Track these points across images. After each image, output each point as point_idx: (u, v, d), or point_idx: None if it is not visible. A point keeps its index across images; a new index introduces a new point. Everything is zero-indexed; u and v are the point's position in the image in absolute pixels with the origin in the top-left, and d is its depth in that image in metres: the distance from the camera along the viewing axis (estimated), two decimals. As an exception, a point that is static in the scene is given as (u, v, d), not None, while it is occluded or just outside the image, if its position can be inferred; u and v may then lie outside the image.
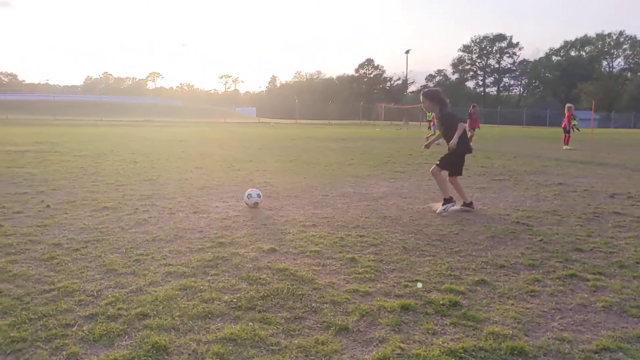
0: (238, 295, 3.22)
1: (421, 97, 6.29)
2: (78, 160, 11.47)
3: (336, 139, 23.11)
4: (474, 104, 19.98)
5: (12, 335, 2.63)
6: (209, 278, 3.55)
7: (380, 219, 5.67)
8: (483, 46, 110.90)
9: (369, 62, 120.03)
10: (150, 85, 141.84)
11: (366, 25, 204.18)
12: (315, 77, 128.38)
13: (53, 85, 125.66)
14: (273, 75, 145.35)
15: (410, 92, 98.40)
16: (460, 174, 6.33)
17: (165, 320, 2.82)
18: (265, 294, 3.24)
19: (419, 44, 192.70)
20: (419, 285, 3.45)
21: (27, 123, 35.64)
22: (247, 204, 6.11)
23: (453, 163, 6.19)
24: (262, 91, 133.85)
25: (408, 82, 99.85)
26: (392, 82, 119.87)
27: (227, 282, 3.48)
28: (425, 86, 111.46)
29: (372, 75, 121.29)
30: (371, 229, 5.16)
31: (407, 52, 69.64)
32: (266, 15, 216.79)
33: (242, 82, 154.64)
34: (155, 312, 2.93)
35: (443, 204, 6.01)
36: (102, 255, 4.08)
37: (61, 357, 2.44)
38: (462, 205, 6.11)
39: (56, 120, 42.17)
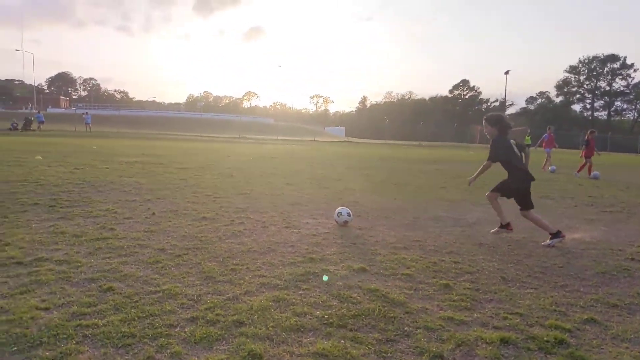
0: (329, 311, 3.24)
1: (483, 121, 6.08)
2: (180, 173, 12.26)
3: (427, 161, 22.68)
4: (592, 130, 18.38)
5: (122, 330, 2.85)
6: (300, 292, 3.62)
7: (476, 245, 5.45)
8: (592, 67, 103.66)
9: (464, 82, 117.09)
10: (246, 104, 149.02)
11: (462, 45, 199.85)
12: (406, 97, 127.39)
13: (159, 102, 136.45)
14: (363, 96, 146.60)
15: (509, 114, 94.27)
16: (529, 208, 5.88)
17: (260, 329, 2.91)
18: (357, 313, 3.23)
19: (519, 64, 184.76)
20: None
21: (135, 136, 38.89)
22: (337, 222, 6.17)
23: (516, 197, 5.90)
24: (352, 111, 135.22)
25: (507, 104, 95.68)
26: (488, 103, 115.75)
27: (318, 297, 3.52)
28: (525, 109, 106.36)
29: (467, 97, 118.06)
30: (466, 255, 4.97)
31: (507, 72, 66.94)
32: (359, 36, 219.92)
33: (332, 102, 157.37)
34: (250, 321, 3.03)
35: (550, 238, 5.64)
36: (201, 262, 4.32)
37: (165, 355, 2.59)
38: (499, 227, 6.00)
39: (160, 135, 45.57)
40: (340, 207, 6.41)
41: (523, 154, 5.97)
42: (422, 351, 2.75)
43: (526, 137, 41.72)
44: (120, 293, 3.46)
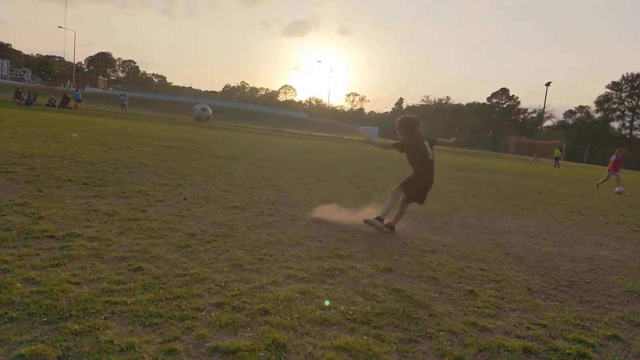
0: (354, 307, 3.23)
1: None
2: (213, 161, 12.41)
3: (460, 168, 22.36)
4: (620, 148, 18.19)
5: (150, 310, 2.89)
6: (326, 286, 3.61)
7: (504, 255, 5.34)
8: (636, 85, 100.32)
9: (504, 91, 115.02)
10: (282, 97, 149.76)
11: (504, 53, 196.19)
12: (443, 102, 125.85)
13: (195, 89, 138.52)
14: (400, 97, 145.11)
15: (546, 127, 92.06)
16: (412, 201, 6.08)
17: (285, 319, 2.92)
18: (381, 312, 3.21)
19: (560, 77, 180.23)
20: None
21: (171, 121, 39.59)
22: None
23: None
24: (387, 112, 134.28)
25: (544, 115, 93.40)
26: (526, 114, 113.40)
27: (343, 293, 3.51)
28: (562, 122, 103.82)
29: (504, 106, 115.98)
30: (493, 263, 4.88)
31: (548, 84, 65.26)
32: (400, 37, 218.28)
33: (368, 101, 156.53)
34: (276, 311, 3.04)
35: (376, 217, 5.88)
36: (230, 250, 4.35)
37: (191, 337, 2.63)
38: (386, 225, 5.85)
39: (196, 121, 46.30)
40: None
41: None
42: (444, 354, 2.72)
43: (556, 150, 40.68)
44: (149, 273, 3.52)
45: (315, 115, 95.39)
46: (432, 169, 6.01)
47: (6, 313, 2.63)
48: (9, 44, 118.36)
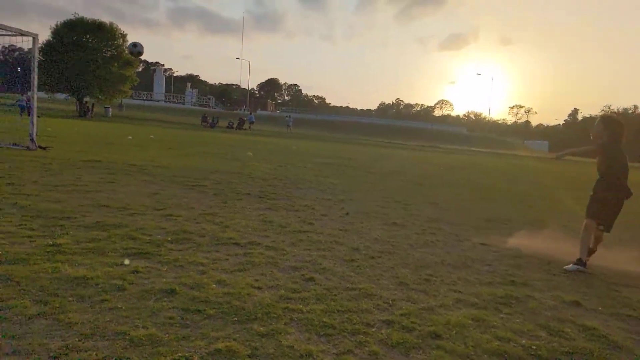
0: (537, 342, 2.94)
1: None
2: (370, 177, 12.63)
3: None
4: None
5: (323, 320, 2.99)
6: (501, 315, 3.36)
7: None
8: None
9: None
10: (437, 112, 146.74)
11: None
12: (629, 111, 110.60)
13: (352, 108, 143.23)
14: (575, 108, 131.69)
15: None
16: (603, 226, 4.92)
17: (459, 346, 2.78)
18: (570, 351, 2.86)
19: None
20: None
21: (330, 139, 41.39)
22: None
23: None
24: (559, 124, 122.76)
25: None
26: None
27: (522, 325, 3.22)
28: None
29: None
30: None
31: None
32: (572, 40, 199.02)
33: (535, 113, 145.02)
34: (448, 336, 2.91)
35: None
36: (394, 267, 4.32)
37: (364, 352, 2.64)
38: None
39: (352, 139, 47.71)
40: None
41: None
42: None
43: None
44: (321, 284, 3.66)
45: (475, 130, 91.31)
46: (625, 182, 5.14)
47: (205, 310, 2.95)
48: (198, 75, 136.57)
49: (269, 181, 9.50)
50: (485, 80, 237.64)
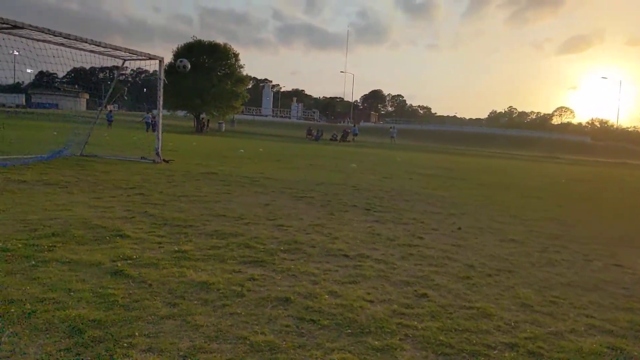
0: (693, 380, 2.56)
1: None
2: (481, 189, 12.06)
3: None
4: None
5: (440, 338, 2.87)
6: (644, 346, 2.99)
7: None
8: None
9: None
10: (556, 120, 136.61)
11: None
12: None
13: (460, 117, 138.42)
14: None
15: None
16: None
17: (597, 378, 2.51)
18: None
19: None
20: None
21: (436, 150, 40.39)
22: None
23: None
24: None
25: None
26: None
27: (671, 358, 2.83)
28: None
29: None
30: None
31: None
32: None
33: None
34: (582, 365, 2.65)
35: None
36: (514, 286, 4.05)
37: (486, 376, 2.48)
38: None
39: (460, 150, 46.13)
40: None
41: None
42: None
43: None
44: (435, 301, 3.52)
45: (600, 139, 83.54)
46: None
47: (319, 320, 2.98)
48: (303, 90, 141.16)
49: (374, 193, 9.46)
50: (612, 85, 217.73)
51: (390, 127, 54.81)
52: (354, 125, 55.47)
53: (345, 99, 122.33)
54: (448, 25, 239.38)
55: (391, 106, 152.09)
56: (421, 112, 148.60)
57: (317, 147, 32.31)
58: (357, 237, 5.41)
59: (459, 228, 6.53)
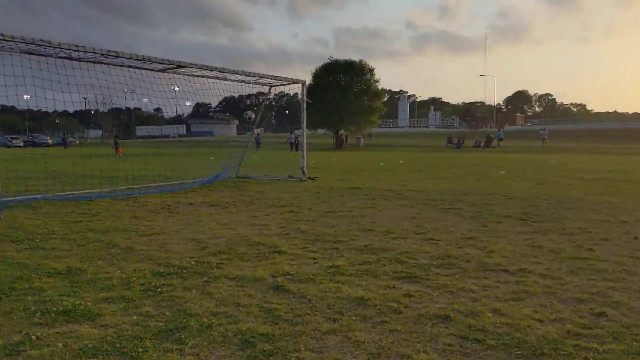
0: None
1: None
2: (659, 192, 10.48)
3: None
4: None
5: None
6: None
7: None
8: None
9: None
10: None
11: None
12: None
13: (621, 112, 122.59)
14: None
15: None
16: None
17: None
18: None
19: None
20: None
21: (595, 151, 36.24)
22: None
23: None
24: None
25: None
26: None
27: None
28: None
29: None
30: None
31: None
32: None
33: None
34: None
35: None
36: None
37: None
38: None
39: (624, 149, 40.78)
40: None
41: None
42: None
43: None
44: (616, 321, 3.12)
45: None
46: None
47: (484, 340, 2.82)
48: (440, 98, 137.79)
49: (529, 201, 8.77)
50: None
51: (541, 129, 50.52)
52: (499, 130, 52.37)
53: (487, 103, 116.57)
54: (600, 14, 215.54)
55: (539, 106, 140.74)
56: (574, 109, 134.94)
57: (460, 155, 31.13)
58: (516, 250, 5.05)
59: (635, 238, 5.75)
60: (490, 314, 3.20)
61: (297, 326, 3.01)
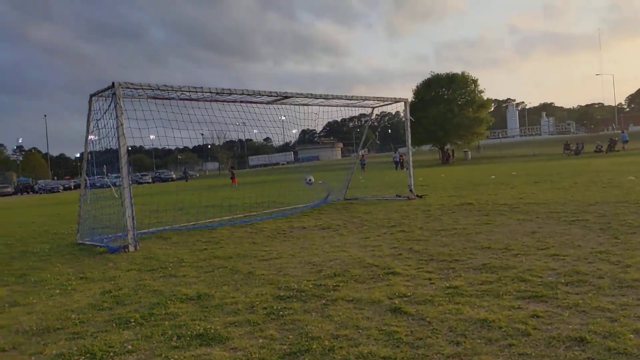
0: None
1: None
2: None
3: None
4: None
5: None
6: None
7: None
8: None
9: None
10: None
11: None
12: None
13: None
14: None
15: None
16: None
17: None
18: None
19: None
20: None
21: None
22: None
23: None
24: None
25: None
26: None
27: None
28: None
29: None
30: None
31: None
32: None
33: None
34: None
35: None
36: None
37: None
38: None
39: None
40: None
41: None
42: None
43: None
44: None
45: None
46: None
47: (628, 366, 2.57)
48: (552, 103, 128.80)
49: (670, 209, 7.83)
50: None
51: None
52: (623, 132, 47.52)
53: (606, 104, 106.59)
54: None
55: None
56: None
57: (579, 161, 28.67)
58: (658, 265, 4.54)
59: None
60: (632, 335, 2.91)
61: (419, 349, 2.98)
